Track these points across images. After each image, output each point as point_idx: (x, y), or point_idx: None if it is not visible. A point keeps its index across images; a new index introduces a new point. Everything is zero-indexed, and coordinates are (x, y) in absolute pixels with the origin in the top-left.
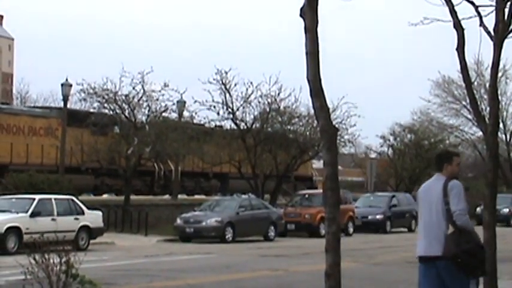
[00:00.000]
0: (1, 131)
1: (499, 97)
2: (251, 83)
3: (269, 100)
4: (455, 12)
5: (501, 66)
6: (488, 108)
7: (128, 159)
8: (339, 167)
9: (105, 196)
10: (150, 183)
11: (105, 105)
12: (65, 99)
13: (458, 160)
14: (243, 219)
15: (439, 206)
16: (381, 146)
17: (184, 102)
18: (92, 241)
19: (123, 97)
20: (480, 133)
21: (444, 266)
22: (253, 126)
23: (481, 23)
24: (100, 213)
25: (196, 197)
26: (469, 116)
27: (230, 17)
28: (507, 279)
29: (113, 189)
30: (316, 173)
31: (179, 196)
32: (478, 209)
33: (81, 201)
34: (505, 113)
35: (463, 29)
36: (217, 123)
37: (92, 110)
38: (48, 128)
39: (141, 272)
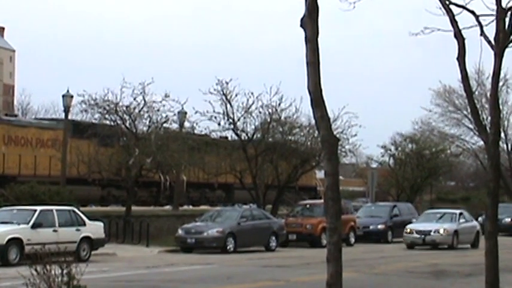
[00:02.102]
0: (10, 143)
1: (500, 106)
2: (252, 93)
3: (270, 110)
4: (456, 22)
5: (502, 75)
6: (489, 118)
7: (129, 170)
8: (340, 177)
9: (107, 207)
10: (155, 194)
11: (106, 116)
12: (66, 110)
13: None
14: (245, 229)
15: None
16: (382, 156)
17: (185, 112)
18: (93, 252)
19: (124, 108)
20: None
21: None
22: (254, 136)
23: (482, 33)
24: (101, 224)
25: (202, 207)
26: (470, 126)
27: (231, 27)
28: None
29: (119, 200)
30: (320, 183)
31: (185, 207)
32: (480, 219)
33: (83, 212)
34: (506, 123)
35: (463, 39)
36: (223, 134)
37: (97, 122)
38: (56, 139)
39: (143, 283)
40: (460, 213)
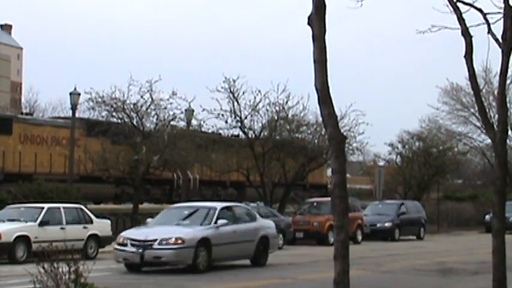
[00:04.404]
0: (26, 142)
1: (508, 104)
2: (259, 91)
3: (277, 108)
4: (463, 20)
5: (509, 73)
6: (496, 116)
7: (135, 168)
8: (348, 175)
9: (120, 205)
10: (168, 192)
11: (114, 114)
12: (74, 108)
13: None
14: None
15: None
16: (389, 154)
17: (193, 110)
18: (100, 250)
19: (131, 106)
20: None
21: None
22: (261, 134)
23: (489, 30)
24: (108, 221)
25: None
26: (478, 124)
27: (238, 25)
28: None
29: (133, 198)
30: (330, 180)
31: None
32: (487, 217)
33: (90, 210)
34: None
35: (471, 37)
36: (230, 132)
37: (106, 120)
38: (70, 138)
39: (149, 280)
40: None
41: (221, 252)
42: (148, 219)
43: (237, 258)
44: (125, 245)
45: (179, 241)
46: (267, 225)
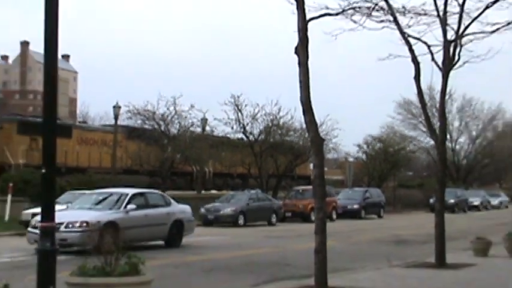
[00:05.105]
0: (82, 143)
1: (446, 115)
2: (257, 104)
3: (271, 117)
4: (413, 50)
5: (448, 91)
6: (438, 124)
7: (163, 163)
8: (325, 168)
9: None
10: (189, 182)
11: (146, 122)
12: (116, 118)
13: None
14: (252, 208)
15: None
16: (357, 152)
17: (206, 119)
18: None
19: (160, 116)
20: (432, 142)
21: None
22: (259, 137)
23: (432, 58)
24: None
25: (224, 191)
26: (424, 129)
27: (242, 55)
28: (453, 252)
29: (162, 186)
30: (312, 173)
31: (212, 191)
32: (431, 200)
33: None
34: (451, 127)
35: (418, 63)
36: (238, 136)
37: (145, 127)
38: (113, 141)
39: (174, 249)
40: None
41: (131, 235)
42: (68, 204)
43: (150, 240)
44: (36, 227)
45: (84, 224)
46: (182, 210)
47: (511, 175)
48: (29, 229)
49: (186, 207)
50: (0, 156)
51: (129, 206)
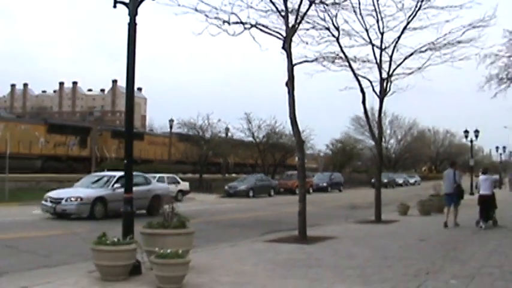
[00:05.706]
0: (150, 144)
1: (382, 126)
2: (261, 118)
3: (271, 127)
4: (361, 84)
5: (383, 110)
6: (377, 131)
7: (201, 157)
8: (305, 160)
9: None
10: (219, 169)
11: (190, 130)
12: (170, 127)
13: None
14: (258, 186)
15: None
16: (326, 149)
17: (228, 128)
18: (184, 197)
19: (199, 126)
20: (373, 143)
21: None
22: (263, 140)
23: (373, 89)
24: (187, 183)
25: (241, 175)
26: (368, 135)
27: (252, 86)
28: (385, 213)
29: (200, 172)
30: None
31: (233, 175)
32: (373, 180)
33: (179, 177)
34: (385, 133)
35: (364, 92)
36: (249, 139)
37: (190, 133)
38: (169, 142)
39: (208, 212)
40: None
41: (117, 206)
42: (76, 183)
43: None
44: (47, 201)
45: (78, 199)
46: (160, 187)
47: (422, 164)
48: (42, 202)
49: (164, 185)
50: (101, 152)
51: (116, 185)
